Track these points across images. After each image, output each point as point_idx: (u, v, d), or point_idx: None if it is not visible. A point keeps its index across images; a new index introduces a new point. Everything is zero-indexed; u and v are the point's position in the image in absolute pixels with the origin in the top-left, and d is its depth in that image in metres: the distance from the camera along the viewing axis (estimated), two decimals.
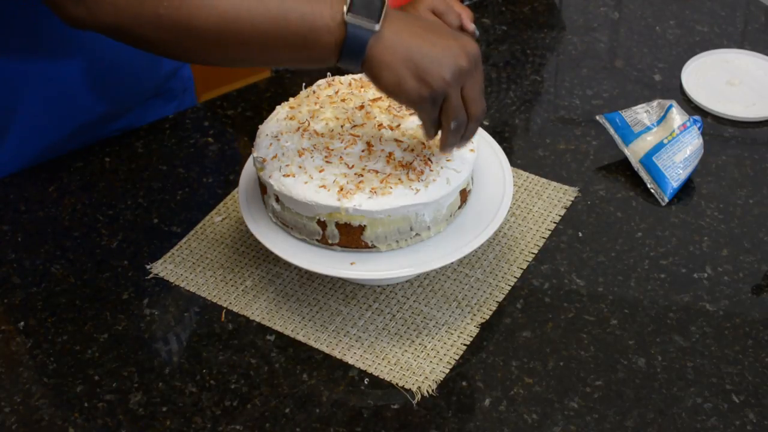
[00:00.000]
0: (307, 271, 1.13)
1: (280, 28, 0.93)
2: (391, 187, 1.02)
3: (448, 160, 1.05)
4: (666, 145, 1.23)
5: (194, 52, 0.96)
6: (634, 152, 1.25)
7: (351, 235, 1.04)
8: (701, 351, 1.05)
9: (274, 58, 0.98)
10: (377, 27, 0.92)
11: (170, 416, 1.01)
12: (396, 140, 1.06)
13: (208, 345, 1.07)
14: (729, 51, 1.46)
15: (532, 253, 1.16)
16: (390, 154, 1.05)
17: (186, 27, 0.93)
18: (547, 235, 1.18)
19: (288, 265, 1.14)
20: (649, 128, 1.25)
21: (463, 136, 0.99)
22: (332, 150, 1.05)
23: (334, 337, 1.07)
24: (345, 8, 0.92)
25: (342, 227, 1.03)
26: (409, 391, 1.02)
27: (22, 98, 1.26)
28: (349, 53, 0.93)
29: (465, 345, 1.06)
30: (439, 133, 1.00)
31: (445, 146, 1.00)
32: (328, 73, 1.17)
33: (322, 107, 1.10)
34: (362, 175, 1.03)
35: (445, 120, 0.97)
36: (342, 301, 1.11)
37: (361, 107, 1.10)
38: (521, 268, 1.14)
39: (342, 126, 1.08)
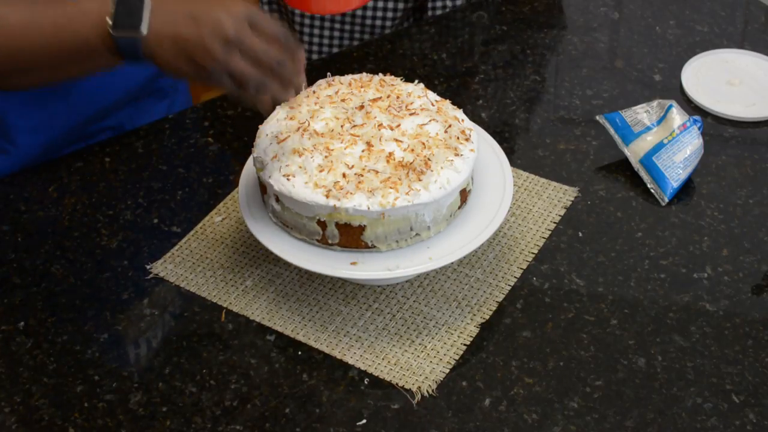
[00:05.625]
0: (307, 271, 1.13)
1: (59, 49, 1.00)
2: (390, 187, 1.02)
3: (448, 160, 1.05)
4: (666, 145, 1.23)
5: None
6: (634, 152, 1.25)
7: (351, 235, 1.04)
8: (701, 351, 1.05)
9: (69, 72, 1.06)
10: (143, 32, 0.96)
11: (170, 416, 1.01)
12: (396, 140, 1.06)
13: (208, 345, 1.07)
14: (729, 51, 1.46)
15: (532, 253, 1.16)
16: (390, 154, 1.05)
17: None
18: (547, 235, 1.18)
19: (288, 265, 1.14)
20: (649, 128, 1.25)
21: (283, 85, 1.00)
22: (332, 150, 1.05)
23: (334, 337, 1.07)
24: (109, 23, 0.96)
25: (342, 227, 1.03)
26: (409, 391, 1.02)
27: (11, 100, 1.26)
28: (129, 58, 0.99)
29: (465, 345, 1.06)
30: None
31: (276, 101, 1.03)
32: (328, 74, 1.17)
33: (322, 107, 1.10)
34: (362, 175, 1.03)
35: (242, 87, 0.98)
36: (342, 301, 1.11)
37: (361, 107, 1.10)
38: (521, 268, 1.14)
39: (342, 126, 1.08)
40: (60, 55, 1.01)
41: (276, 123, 1.10)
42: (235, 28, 0.95)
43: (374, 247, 1.05)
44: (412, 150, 1.05)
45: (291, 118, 1.10)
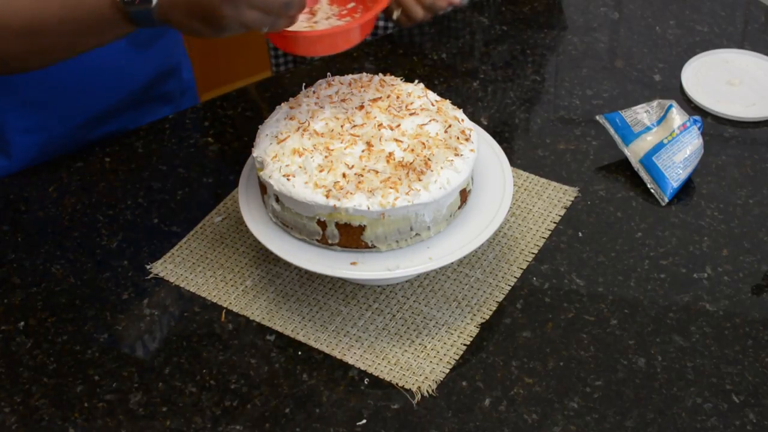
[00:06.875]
0: (307, 271, 1.13)
1: (73, 26, 1.02)
2: (390, 187, 1.02)
3: (448, 160, 1.05)
4: (666, 145, 1.23)
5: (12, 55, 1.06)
6: (634, 152, 1.25)
7: (351, 235, 1.04)
8: (701, 351, 1.05)
9: (84, 46, 1.07)
10: (154, 2, 0.98)
11: (170, 416, 1.01)
12: (396, 140, 1.06)
13: (208, 345, 1.07)
14: (729, 51, 1.46)
15: (532, 253, 1.16)
16: (390, 154, 1.05)
17: None
18: (547, 235, 1.18)
19: (288, 265, 1.14)
20: (649, 128, 1.25)
21: (292, 20, 1.02)
22: (332, 150, 1.05)
23: (334, 337, 1.07)
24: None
25: (342, 227, 1.03)
26: (409, 391, 1.02)
27: (8, 100, 1.26)
28: (143, 25, 1.01)
29: (465, 345, 1.06)
30: None
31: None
32: (328, 73, 1.17)
33: (322, 107, 1.10)
34: (362, 175, 1.03)
35: (257, 30, 1.00)
36: (342, 301, 1.11)
37: (361, 107, 1.10)
38: (521, 268, 1.14)
39: (342, 126, 1.08)
40: (75, 31, 1.03)
41: (276, 123, 1.10)
42: None
43: (374, 247, 1.05)
44: (412, 150, 1.05)
45: (291, 118, 1.10)
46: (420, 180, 1.03)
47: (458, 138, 1.08)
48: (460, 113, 1.12)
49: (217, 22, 0.97)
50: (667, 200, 1.22)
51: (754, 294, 1.11)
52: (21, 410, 1.02)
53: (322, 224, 1.04)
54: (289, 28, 1.03)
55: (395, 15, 1.45)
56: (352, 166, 1.04)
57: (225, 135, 1.34)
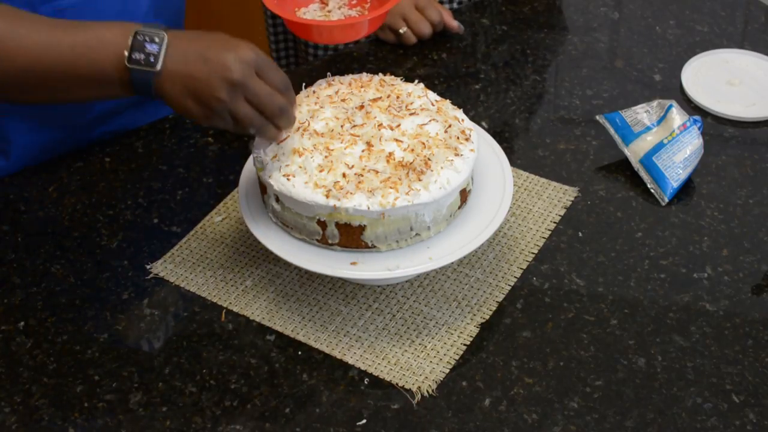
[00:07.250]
0: (307, 271, 1.13)
1: (73, 74, 1.02)
2: (390, 187, 1.02)
3: (448, 160, 1.05)
4: (666, 145, 1.23)
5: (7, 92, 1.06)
6: (634, 152, 1.25)
7: (351, 235, 1.04)
8: (701, 351, 1.05)
9: (77, 96, 1.07)
10: (158, 68, 0.98)
11: (170, 416, 1.01)
12: (396, 140, 1.06)
13: (208, 345, 1.07)
14: (729, 51, 1.46)
15: (532, 253, 1.16)
16: (390, 154, 1.05)
17: None
18: (547, 235, 1.18)
19: (288, 265, 1.14)
20: (649, 128, 1.25)
21: (277, 127, 1.03)
22: (332, 150, 1.05)
23: (334, 337, 1.07)
24: (126, 56, 0.99)
25: (342, 227, 1.03)
26: (409, 391, 1.02)
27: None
28: (140, 92, 1.01)
29: (465, 345, 1.06)
30: None
31: (263, 140, 1.05)
32: (328, 73, 1.17)
33: (322, 107, 1.10)
34: (362, 175, 1.03)
35: (243, 128, 1.01)
36: (342, 301, 1.11)
37: (361, 107, 1.10)
38: (521, 268, 1.14)
39: (342, 126, 1.08)
40: (73, 80, 1.03)
41: None
42: (242, 73, 0.97)
43: (374, 247, 1.05)
44: (412, 150, 1.05)
45: None
46: (420, 180, 1.03)
47: (458, 138, 1.08)
48: (460, 113, 1.12)
49: (211, 105, 0.98)
50: (667, 200, 1.22)
51: (754, 294, 1.11)
52: (21, 410, 1.02)
53: (322, 224, 1.04)
54: (306, 17, 1.02)
55: (402, 30, 1.46)
56: (352, 166, 1.04)
57: (225, 135, 1.34)
